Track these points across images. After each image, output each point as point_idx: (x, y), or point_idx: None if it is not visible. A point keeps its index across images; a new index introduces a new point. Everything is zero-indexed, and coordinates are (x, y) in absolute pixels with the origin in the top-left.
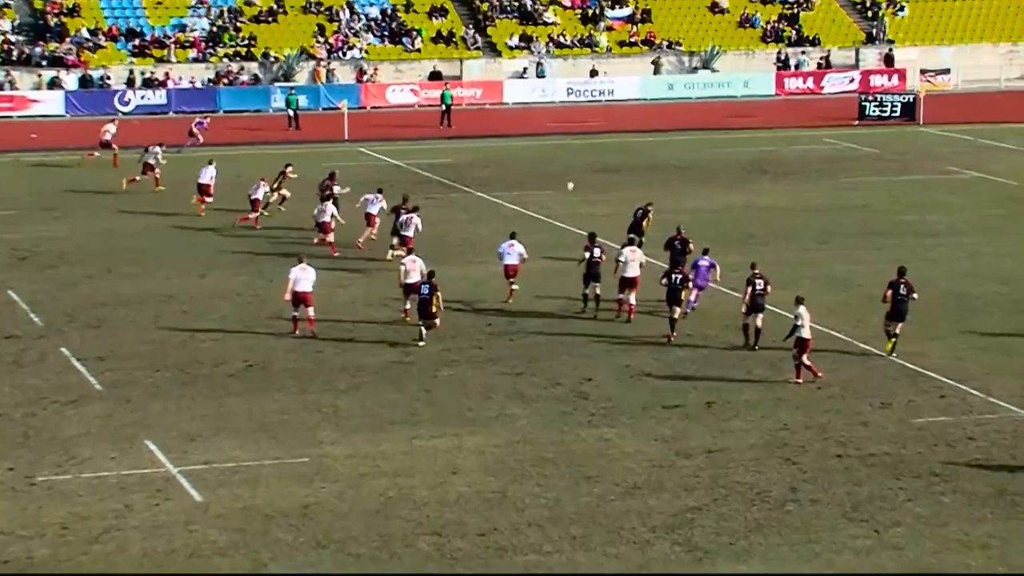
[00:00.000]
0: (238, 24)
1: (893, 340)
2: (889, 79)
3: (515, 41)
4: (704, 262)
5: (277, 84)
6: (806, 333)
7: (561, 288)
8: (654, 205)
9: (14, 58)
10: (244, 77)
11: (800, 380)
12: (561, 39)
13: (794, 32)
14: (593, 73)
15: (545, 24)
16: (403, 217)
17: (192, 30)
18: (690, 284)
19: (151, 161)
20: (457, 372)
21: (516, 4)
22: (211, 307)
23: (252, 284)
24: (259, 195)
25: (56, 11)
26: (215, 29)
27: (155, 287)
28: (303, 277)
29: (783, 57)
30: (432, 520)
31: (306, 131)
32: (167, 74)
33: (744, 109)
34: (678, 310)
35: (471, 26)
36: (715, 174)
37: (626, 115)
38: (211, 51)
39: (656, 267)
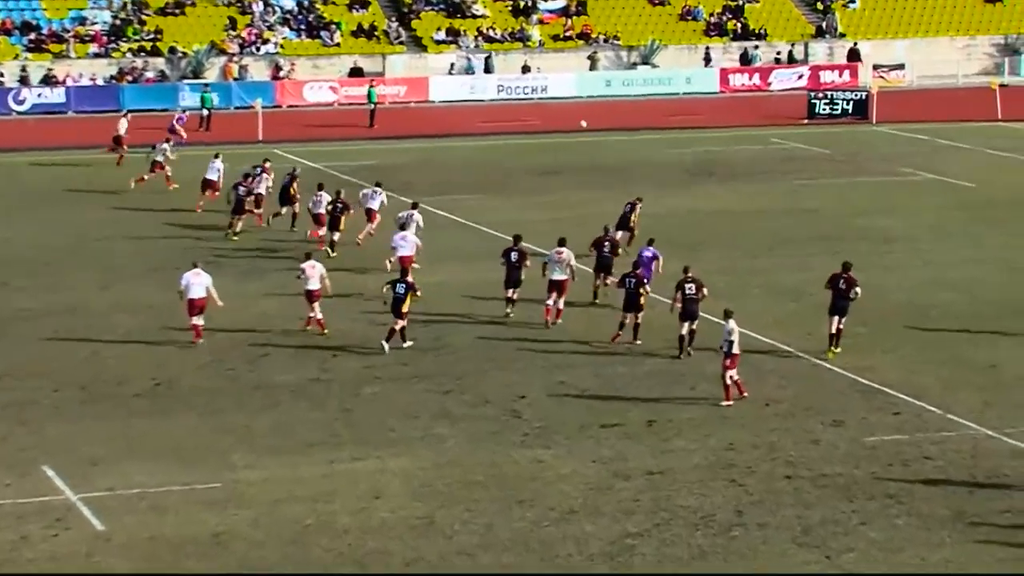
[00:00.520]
0: (143, 17)
1: (834, 344)
2: (840, 75)
3: (442, 35)
4: (648, 252)
5: (186, 81)
6: (736, 348)
7: (491, 300)
8: (643, 200)
9: None
10: (150, 74)
11: (730, 401)
12: (491, 33)
13: (739, 25)
14: (526, 69)
15: (474, 17)
16: (403, 214)
17: (93, 23)
18: (647, 287)
19: (159, 159)
20: (380, 390)
21: None
22: (115, 321)
23: (159, 296)
24: (262, 189)
25: None
26: (118, 22)
27: (57, 299)
28: (196, 283)
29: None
30: (354, 549)
31: (217, 132)
32: (67, 72)
33: (687, 107)
34: (630, 316)
35: (394, 19)
36: (658, 176)
37: (561, 113)
38: (114, 46)
39: (585, 273)
